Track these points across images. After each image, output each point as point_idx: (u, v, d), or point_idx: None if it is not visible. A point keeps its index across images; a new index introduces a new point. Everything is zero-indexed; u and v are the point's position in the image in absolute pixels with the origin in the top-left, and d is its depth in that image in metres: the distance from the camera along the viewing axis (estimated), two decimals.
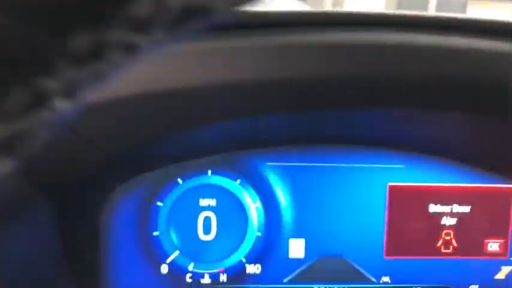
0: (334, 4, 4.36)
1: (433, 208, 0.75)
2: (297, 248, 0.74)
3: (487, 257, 0.77)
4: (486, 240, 0.77)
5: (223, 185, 0.73)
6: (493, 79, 0.54)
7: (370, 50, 0.55)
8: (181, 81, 0.44)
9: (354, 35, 0.56)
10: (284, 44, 0.54)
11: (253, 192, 0.73)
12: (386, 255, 0.75)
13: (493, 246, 0.77)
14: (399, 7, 4.19)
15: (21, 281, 0.55)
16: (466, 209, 0.76)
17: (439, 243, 0.76)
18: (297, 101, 0.49)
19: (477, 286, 0.78)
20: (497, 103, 0.53)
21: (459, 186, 0.75)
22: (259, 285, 0.74)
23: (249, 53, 0.52)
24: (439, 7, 4.34)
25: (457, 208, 0.76)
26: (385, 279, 0.76)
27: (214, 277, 0.74)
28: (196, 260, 0.73)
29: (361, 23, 0.55)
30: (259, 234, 0.74)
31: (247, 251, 0.74)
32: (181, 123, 0.50)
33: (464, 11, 4.34)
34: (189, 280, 0.73)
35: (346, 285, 0.76)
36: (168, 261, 0.73)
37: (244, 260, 0.74)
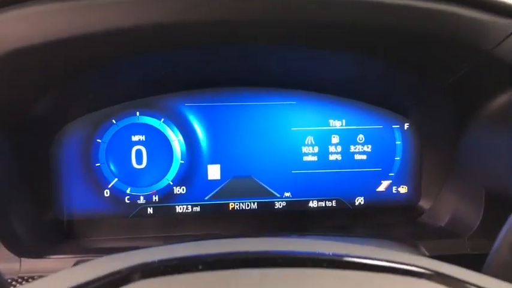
0: None
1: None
2: (214, 172, 0.93)
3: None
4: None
5: (150, 123, 0.90)
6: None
7: None
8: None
9: None
10: None
11: (175, 128, 0.91)
12: (287, 173, 0.94)
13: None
14: None
15: None
16: None
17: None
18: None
19: (362, 197, 0.97)
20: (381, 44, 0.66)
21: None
22: (185, 203, 0.93)
23: None
24: None
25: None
26: (287, 194, 0.95)
27: (148, 198, 0.92)
28: (132, 185, 0.91)
29: None
30: (182, 162, 0.92)
31: (173, 176, 0.92)
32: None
33: None
34: (127, 201, 0.91)
35: (256, 200, 0.94)
36: (109, 186, 0.90)
37: (171, 183, 0.92)
